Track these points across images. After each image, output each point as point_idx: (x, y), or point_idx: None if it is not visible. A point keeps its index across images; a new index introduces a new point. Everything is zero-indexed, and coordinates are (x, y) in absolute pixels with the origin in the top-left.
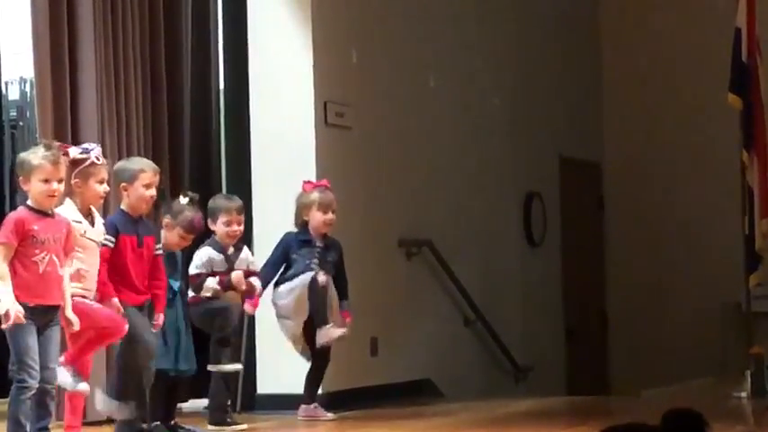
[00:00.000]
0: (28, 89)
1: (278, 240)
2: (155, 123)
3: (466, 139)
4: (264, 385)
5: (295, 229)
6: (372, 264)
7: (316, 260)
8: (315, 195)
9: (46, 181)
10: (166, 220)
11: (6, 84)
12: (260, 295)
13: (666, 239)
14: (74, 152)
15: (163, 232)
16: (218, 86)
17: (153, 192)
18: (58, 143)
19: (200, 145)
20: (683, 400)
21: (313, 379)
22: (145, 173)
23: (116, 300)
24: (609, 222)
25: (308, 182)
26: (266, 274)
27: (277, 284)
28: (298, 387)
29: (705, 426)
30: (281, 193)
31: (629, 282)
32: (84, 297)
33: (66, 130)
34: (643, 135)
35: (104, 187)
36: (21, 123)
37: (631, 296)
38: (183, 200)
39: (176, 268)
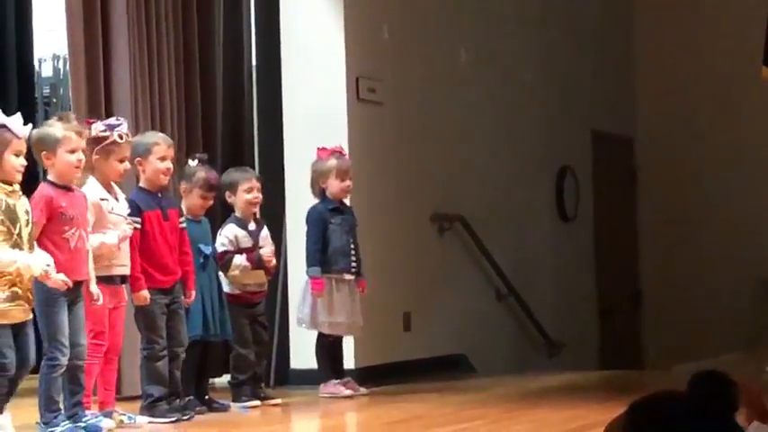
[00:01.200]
0: (61, 66)
1: (306, 216)
2: (188, 100)
3: (498, 114)
4: (297, 360)
5: (315, 200)
6: (405, 239)
7: (352, 240)
8: (332, 162)
9: (72, 151)
10: (183, 186)
11: (40, 61)
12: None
13: (699, 214)
14: (96, 128)
15: (183, 201)
16: (251, 63)
17: (168, 164)
18: (74, 115)
19: (233, 122)
20: None
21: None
22: (159, 146)
23: (144, 293)
24: (641, 196)
25: (323, 148)
26: (315, 253)
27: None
28: None
29: (732, 385)
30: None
31: (662, 256)
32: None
33: (100, 107)
34: (676, 109)
35: (125, 165)
36: (54, 100)
37: (665, 271)
38: (193, 162)
39: (206, 233)
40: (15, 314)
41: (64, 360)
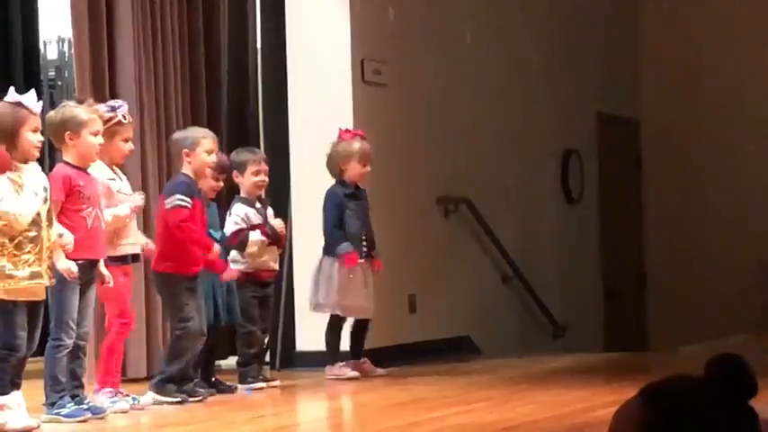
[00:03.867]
0: (66, 49)
1: (325, 197)
2: (192, 83)
3: (503, 96)
4: (303, 342)
5: (322, 181)
6: (410, 221)
7: (364, 225)
8: (356, 146)
9: (95, 134)
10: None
11: (45, 43)
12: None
13: (705, 196)
14: (100, 110)
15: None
16: (256, 45)
17: (214, 158)
18: (92, 99)
19: (238, 103)
20: None
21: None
22: (206, 139)
23: (233, 271)
24: (647, 179)
25: (347, 130)
26: (334, 235)
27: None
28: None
29: (750, 371)
30: (319, 151)
31: (667, 238)
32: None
33: (104, 89)
34: (682, 91)
35: (129, 146)
36: (59, 83)
37: (670, 252)
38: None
39: (215, 217)
40: (35, 291)
41: (69, 342)
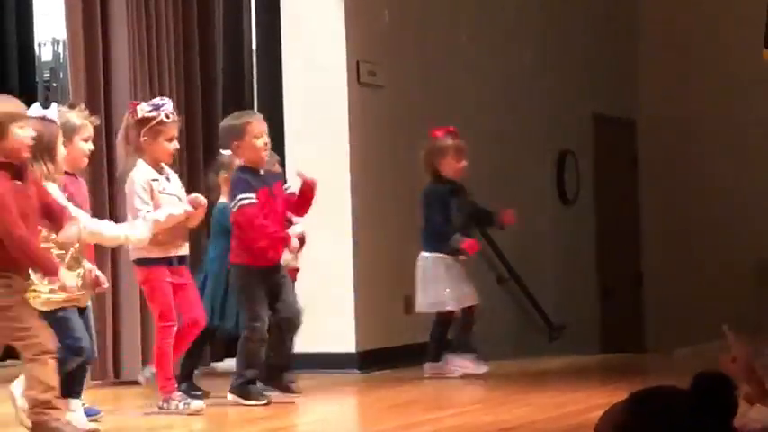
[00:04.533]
0: (61, 50)
1: (426, 196)
2: (188, 84)
3: (498, 97)
4: (301, 344)
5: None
6: (405, 222)
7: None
8: (449, 142)
9: (87, 140)
10: (224, 175)
11: (39, 45)
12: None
13: (701, 197)
14: (142, 110)
15: (223, 190)
16: (251, 47)
17: (266, 139)
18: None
19: (234, 105)
20: (717, 359)
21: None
22: (251, 124)
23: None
24: (643, 179)
25: (438, 129)
26: (444, 231)
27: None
28: (334, 346)
29: (734, 389)
30: (315, 152)
31: (663, 239)
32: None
33: (99, 91)
34: (679, 92)
35: (174, 145)
36: (54, 84)
37: (666, 253)
38: (226, 151)
39: None
40: (83, 300)
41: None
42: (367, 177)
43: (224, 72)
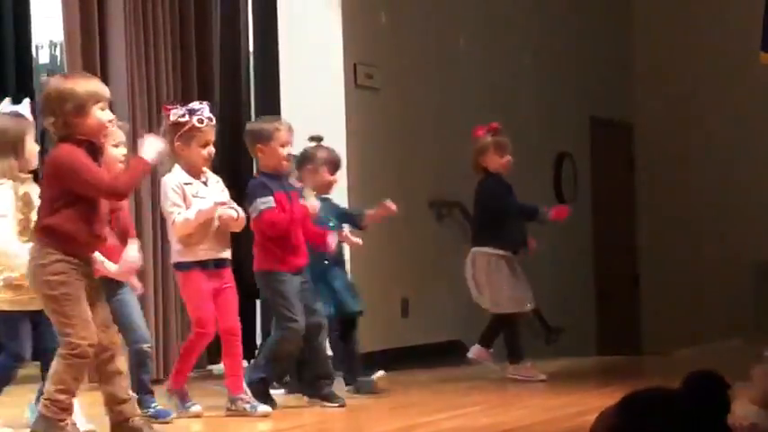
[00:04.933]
0: (58, 53)
1: (484, 190)
2: (184, 86)
3: (496, 100)
4: None
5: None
6: (403, 225)
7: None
8: (489, 139)
9: (117, 146)
10: (309, 167)
11: (37, 48)
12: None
13: (698, 198)
14: (175, 114)
15: (308, 182)
16: (248, 49)
17: (290, 149)
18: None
19: (231, 109)
20: (714, 360)
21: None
22: (279, 131)
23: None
24: (640, 182)
25: (480, 127)
26: (530, 208)
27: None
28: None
29: (727, 387)
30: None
31: (660, 241)
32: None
33: None
34: (675, 94)
35: (209, 150)
36: None
37: (663, 255)
38: (312, 143)
39: (329, 210)
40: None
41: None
42: (364, 179)
43: (221, 75)
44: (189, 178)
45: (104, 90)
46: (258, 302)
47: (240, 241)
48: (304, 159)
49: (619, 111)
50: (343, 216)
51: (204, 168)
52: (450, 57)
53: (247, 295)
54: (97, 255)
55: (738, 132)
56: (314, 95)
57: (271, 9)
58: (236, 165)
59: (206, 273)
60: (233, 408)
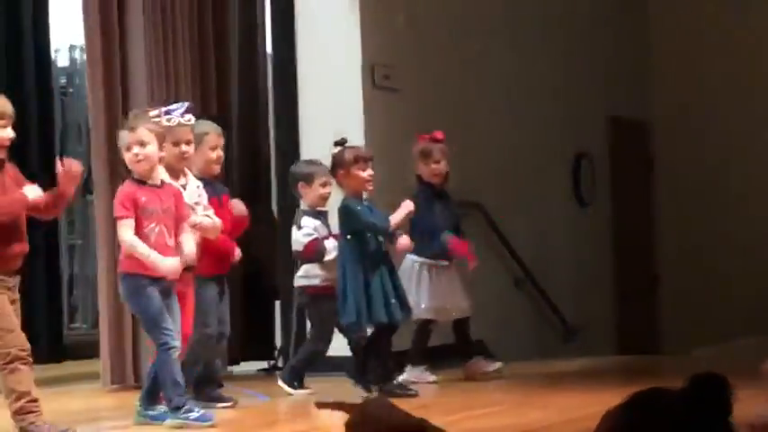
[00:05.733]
0: (77, 56)
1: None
2: (203, 88)
3: (513, 100)
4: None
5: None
6: None
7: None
8: (419, 147)
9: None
10: (341, 172)
11: (56, 51)
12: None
13: (718, 197)
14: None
15: (344, 188)
16: (266, 51)
17: (219, 152)
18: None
19: (249, 109)
20: (733, 359)
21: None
22: (208, 135)
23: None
24: (659, 181)
25: (422, 135)
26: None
27: None
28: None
29: (730, 390)
30: (330, 155)
31: (680, 240)
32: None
33: (117, 96)
34: (694, 93)
35: (181, 149)
36: (71, 90)
37: (682, 254)
38: (337, 147)
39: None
40: None
41: (175, 344)
42: (382, 180)
43: (239, 77)
44: (169, 180)
45: (5, 107)
46: (278, 304)
47: (259, 245)
48: (334, 166)
49: (637, 110)
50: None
51: (186, 171)
52: (468, 57)
53: (268, 297)
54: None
55: (759, 131)
56: (332, 97)
57: (289, 11)
58: (253, 166)
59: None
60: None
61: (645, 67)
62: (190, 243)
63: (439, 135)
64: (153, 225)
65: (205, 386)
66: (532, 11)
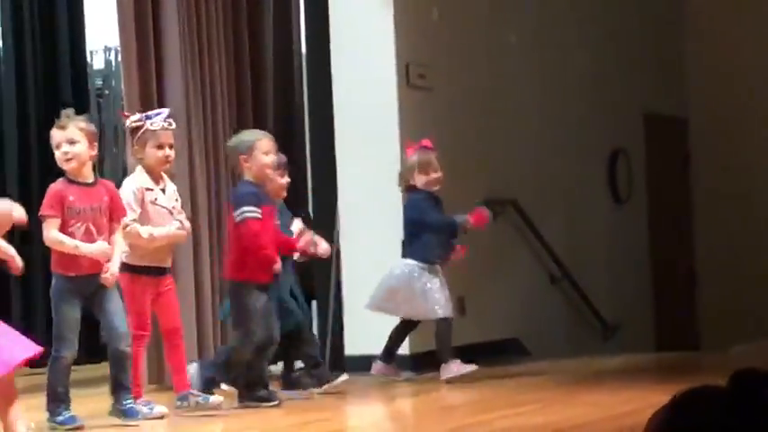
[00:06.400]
0: (113, 58)
1: (411, 206)
2: (238, 88)
3: (549, 97)
4: (351, 347)
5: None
6: None
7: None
8: (415, 159)
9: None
10: None
11: (92, 53)
12: None
13: (755, 193)
14: (130, 120)
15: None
16: (301, 51)
17: (273, 158)
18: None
19: (284, 109)
20: None
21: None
22: (260, 140)
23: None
24: (696, 177)
25: (411, 145)
26: (448, 223)
27: None
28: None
29: None
30: (365, 155)
31: (717, 236)
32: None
33: (152, 97)
34: (731, 89)
35: (165, 152)
36: (106, 92)
37: (720, 251)
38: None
39: (287, 216)
40: None
41: (67, 354)
42: None
43: (274, 77)
44: (150, 183)
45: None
46: (315, 304)
47: None
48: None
49: (673, 106)
50: None
51: (163, 175)
52: (503, 54)
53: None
54: None
55: None
56: (366, 96)
57: (322, 10)
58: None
59: (147, 278)
60: (185, 404)
61: (681, 63)
62: (121, 242)
63: (428, 143)
64: (79, 224)
65: (253, 387)
66: (566, 7)
